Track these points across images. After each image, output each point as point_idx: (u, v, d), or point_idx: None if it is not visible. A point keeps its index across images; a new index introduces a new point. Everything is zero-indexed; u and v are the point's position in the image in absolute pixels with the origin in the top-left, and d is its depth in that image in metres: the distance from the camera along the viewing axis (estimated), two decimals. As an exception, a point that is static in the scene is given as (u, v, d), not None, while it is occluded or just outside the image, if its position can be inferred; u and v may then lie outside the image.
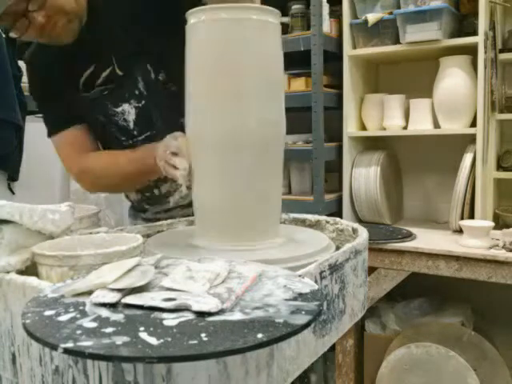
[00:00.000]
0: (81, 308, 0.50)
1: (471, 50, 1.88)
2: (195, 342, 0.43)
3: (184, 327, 0.46)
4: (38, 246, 0.69)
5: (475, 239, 1.68)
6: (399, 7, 1.99)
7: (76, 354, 0.42)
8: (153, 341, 0.43)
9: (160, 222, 1.05)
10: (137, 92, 1.11)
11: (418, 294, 2.12)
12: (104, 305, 0.51)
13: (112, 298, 0.51)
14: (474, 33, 1.85)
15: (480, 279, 1.65)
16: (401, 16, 1.93)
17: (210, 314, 0.48)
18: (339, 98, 2.18)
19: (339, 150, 2.20)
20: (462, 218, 1.86)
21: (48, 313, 0.49)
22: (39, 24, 0.95)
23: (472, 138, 1.89)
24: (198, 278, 0.56)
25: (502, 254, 1.59)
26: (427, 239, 1.83)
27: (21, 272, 0.68)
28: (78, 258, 0.65)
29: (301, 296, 0.53)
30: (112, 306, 0.51)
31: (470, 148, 1.90)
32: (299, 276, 0.61)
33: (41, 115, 1.21)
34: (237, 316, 0.48)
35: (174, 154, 0.90)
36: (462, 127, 1.93)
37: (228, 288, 0.55)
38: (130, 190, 1.28)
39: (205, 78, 0.81)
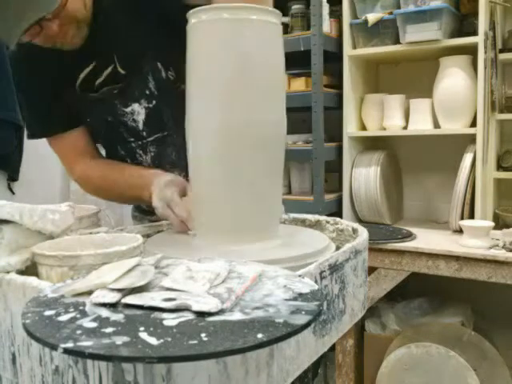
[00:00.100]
0: (81, 308, 0.50)
1: (471, 50, 1.88)
2: (195, 342, 0.43)
3: (184, 327, 0.46)
4: (38, 246, 0.69)
5: (475, 239, 1.68)
6: (399, 7, 1.99)
7: (76, 354, 0.42)
8: (153, 341, 0.43)
9: (160, 222, 1.04)
10: (147, 92, 1.08)
11: (417, 294, 2.12)
12: (104, 305, 0.51)
13: (112, 298, 0.51)
14: (474, 33, 1.85)
15: (480, 279, 1.65)
16: (401, 16, 1.93)
17: (209, 314, 0.48)
18: (339, 98, 2.18)
19: (339, 150, 2.20)
20: (462, 218, 1.86)
21: (48, 313, 0.49)
22: (53, 32, 0.94)
23: (472, 138, 1.89)
24: (198, 278, 0.56)
25: (502, 254, 1.60)
26: (427, 239, 1.84)
27: (21, 272, 0.67)
28: (77, 257, 0.65)
29: (301, 296, 0.53)
30: (112, 306, 0.51)
31: (470, 148, 1.91)
32: (299, 276, 0.60)
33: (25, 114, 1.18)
34: (237, 316, 0.48)
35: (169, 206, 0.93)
36: (461, 127, 1.93)
37: (228, 288, 0.55)
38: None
39: (205, 78, 0.81)
